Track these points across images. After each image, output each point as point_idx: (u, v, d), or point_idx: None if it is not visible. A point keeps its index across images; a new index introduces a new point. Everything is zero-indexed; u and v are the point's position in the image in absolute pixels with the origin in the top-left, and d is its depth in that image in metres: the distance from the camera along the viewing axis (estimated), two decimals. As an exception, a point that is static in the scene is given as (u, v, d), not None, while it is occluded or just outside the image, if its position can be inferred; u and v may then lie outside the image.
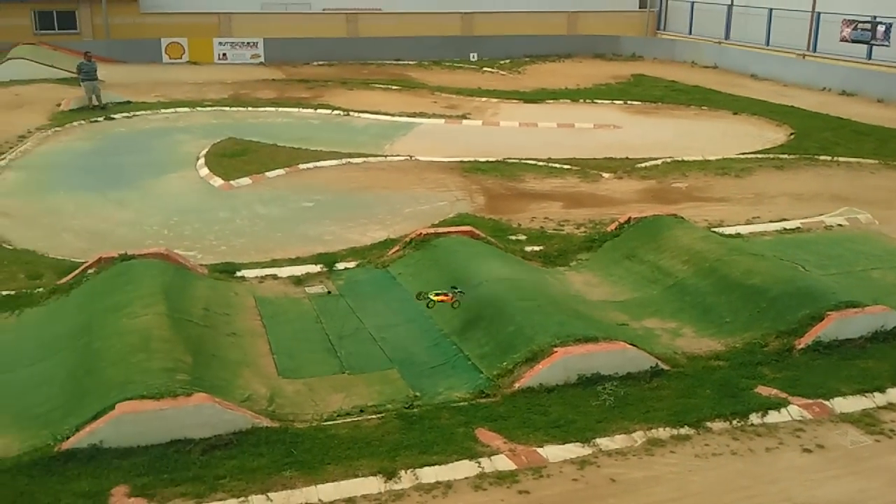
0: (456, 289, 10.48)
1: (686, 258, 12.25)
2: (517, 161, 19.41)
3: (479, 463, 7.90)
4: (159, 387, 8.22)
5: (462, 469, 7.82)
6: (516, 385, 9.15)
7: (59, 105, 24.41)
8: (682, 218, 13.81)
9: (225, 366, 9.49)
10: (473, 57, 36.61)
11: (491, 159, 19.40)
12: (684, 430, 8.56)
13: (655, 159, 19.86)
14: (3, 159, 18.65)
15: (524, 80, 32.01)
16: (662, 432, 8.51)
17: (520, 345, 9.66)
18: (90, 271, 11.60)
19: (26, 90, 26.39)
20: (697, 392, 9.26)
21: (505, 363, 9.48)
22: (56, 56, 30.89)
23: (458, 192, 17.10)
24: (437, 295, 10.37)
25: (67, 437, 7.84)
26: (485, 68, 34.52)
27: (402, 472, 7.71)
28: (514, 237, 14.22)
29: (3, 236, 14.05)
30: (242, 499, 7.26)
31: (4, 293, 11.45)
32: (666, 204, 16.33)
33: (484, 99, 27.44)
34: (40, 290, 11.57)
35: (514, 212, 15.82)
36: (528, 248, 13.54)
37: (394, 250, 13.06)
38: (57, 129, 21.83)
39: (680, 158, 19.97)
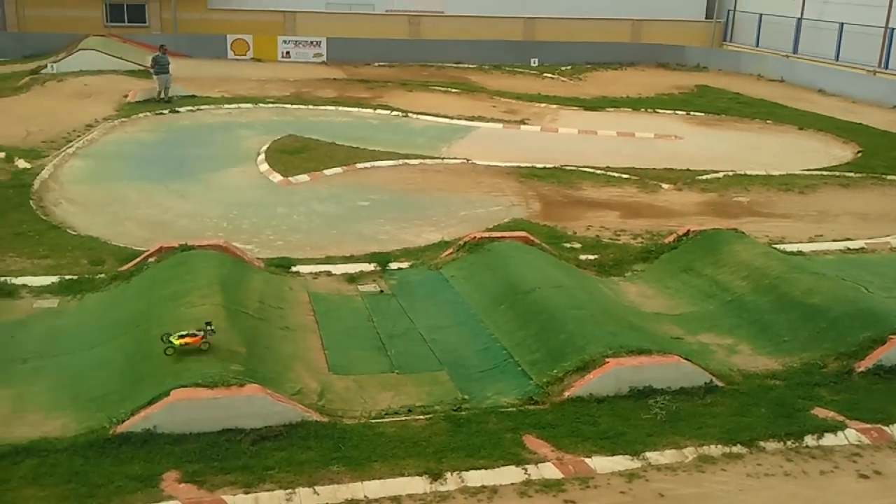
0: (209, 325, 9.00)
1: (745, 274, 12.01)
2: (575, 168, 19.27)
3: (526, 469, 7.86)
4: (213, 376, 8.36)
5: (508, 475, 7.78)
6: (566, 393, 9.07)
7: (126, 96, 25.01)
8: (742, 233, 13.55)
9: (277, 359, 9.61)
10: (534, 62, 36.45)
11: (548, 166, 19.30)
12: (737, 449, 8.39)
13: (717, 172, 19.54)
14: (70, 147, 19.16)
15: (585, 87, 31.79)
16: (714, 449, 8.35)
17: (571, 353, 9.57)
18: (151, 260, 11.85)
19: (95, 81, 27.07)
20: (752, 411, 9.06)
21: (555, 371, 9.40)
22: (125, 48, 31.67)
23: (513, 197, 17.05)
24: (181, 337, 8.87)
25: (123, 421, 8.02)
26: (545, 74, 34.37)
27: (448, 475, 7.71)
28: (568, 245, 14.13)
29: (68, 222, 14.45)
30: (290, 491, 7.34)
31: (68, 278, 11.75)
32: (726, 218, 16.05)
33: (543, 105, 27.32)
34: (102, 276, 11.85)
35: (570, 219, 15.70)
36: (583, 257, 13.44)
37: (447, 252, 13.07)
38: (123, 119, 22.37)
39: (742, 172, 19.59)
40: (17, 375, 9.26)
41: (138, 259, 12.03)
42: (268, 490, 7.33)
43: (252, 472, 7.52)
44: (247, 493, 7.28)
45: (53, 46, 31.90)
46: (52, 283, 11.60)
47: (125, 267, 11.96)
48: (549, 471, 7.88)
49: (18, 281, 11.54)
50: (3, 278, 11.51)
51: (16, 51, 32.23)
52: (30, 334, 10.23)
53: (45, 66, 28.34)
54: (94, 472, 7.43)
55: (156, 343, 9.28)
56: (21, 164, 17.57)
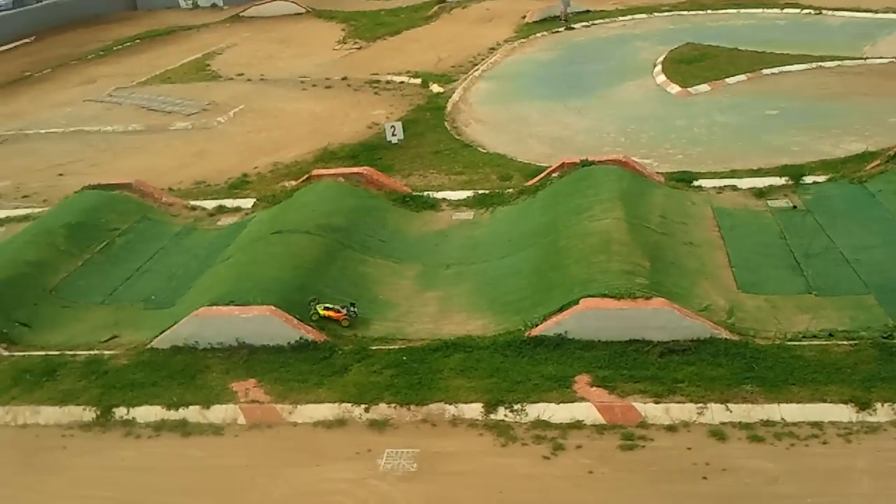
0: (353, 306, 9.07)
1: None
2: None
3: (982, 412, 6.81)
4: (619, 288, 8.46)
5: (955, 414, 6.83)
6: None
7: (523, 17, 25.86)
8: None
9: (682, 274, 9.40)
10: None
11: None
12: None
13: None
14: (476, 71, 20.40)
15: None
16: None
17: None
18: (554, 175, 12.26)
19: (495, 5, 28.33)
20: None
21: None
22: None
23: (959, 99, 14.53)
24: (326, 309, 8.97)
25: (536, 325, 8.50)
26: None
27: (879, 405, 7.02)
28: None
29: (478, 140, 15.50)
30: (701, 405, 7.22)
31: (480, 192, 12.64)
32: None
33: None
34: (510, 190, 12.54)
35: None
36: None
37: (873, 164, 11.62)
38: (522, 40, 23.21)
39: None
40: (442, 279, 10.28)
41: (542, 174, 12.50)
42: (678, 402, 7.29)
43: (661, 383, 7.52)
44: (657, 402, 7.31)
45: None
46: (468, 196, 12.55)
47: (530, 182, 12.51)
48: None
49: (439, 195, 12.70)
50: (427, 192, 12.75)
51: (426, -18, 34.95)
52: (450, 243, 11.25)
53: (451, -5, 30.35)
54: (512, 369, 8.01)
55: (563, 254, 9.64)
56: (435, 88, 19.17)
